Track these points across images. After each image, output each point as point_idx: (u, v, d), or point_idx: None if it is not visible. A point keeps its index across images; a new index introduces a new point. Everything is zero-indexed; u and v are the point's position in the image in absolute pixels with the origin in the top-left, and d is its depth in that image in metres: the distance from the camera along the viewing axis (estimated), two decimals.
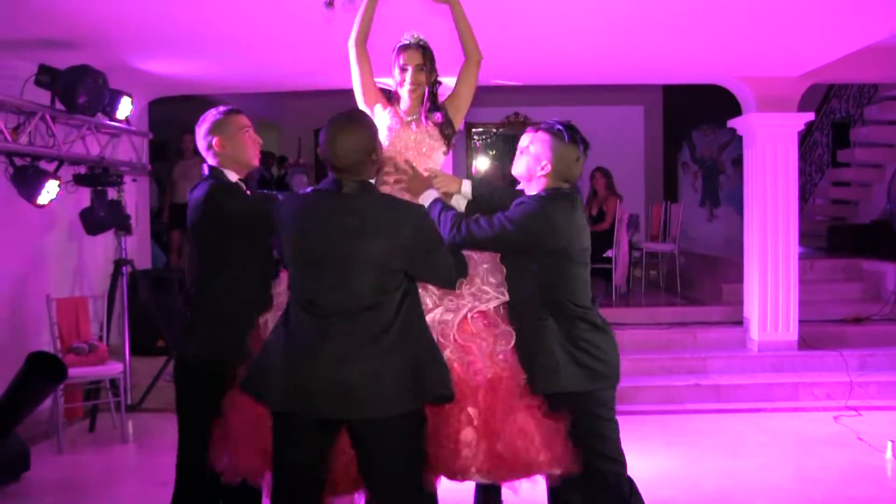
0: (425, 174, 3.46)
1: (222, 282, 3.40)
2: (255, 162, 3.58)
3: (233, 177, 3.47)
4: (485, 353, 3.14)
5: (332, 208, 2.85)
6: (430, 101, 3.62)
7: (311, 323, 2.82)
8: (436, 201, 3.34)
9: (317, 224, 2.84)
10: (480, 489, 3.64)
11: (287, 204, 3.00)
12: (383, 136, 3.50)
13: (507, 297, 3.28)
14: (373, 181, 3.00)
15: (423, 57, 3.57)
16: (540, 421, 3.11)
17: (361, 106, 3.68)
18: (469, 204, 3.49)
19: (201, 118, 3.52)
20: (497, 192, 3.57)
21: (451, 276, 3.07)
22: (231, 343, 3.30)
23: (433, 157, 3.58)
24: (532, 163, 3.35)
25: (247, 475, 3.21)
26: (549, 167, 3.31)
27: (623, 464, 3.36)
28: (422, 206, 3.17)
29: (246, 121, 3.53)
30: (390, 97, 3.68)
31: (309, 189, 3.06)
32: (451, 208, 3.33)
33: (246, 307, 3.38)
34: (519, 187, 3.56)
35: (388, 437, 2.84)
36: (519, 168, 3.41)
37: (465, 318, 3.18)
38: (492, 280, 3.29)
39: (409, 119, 3.60)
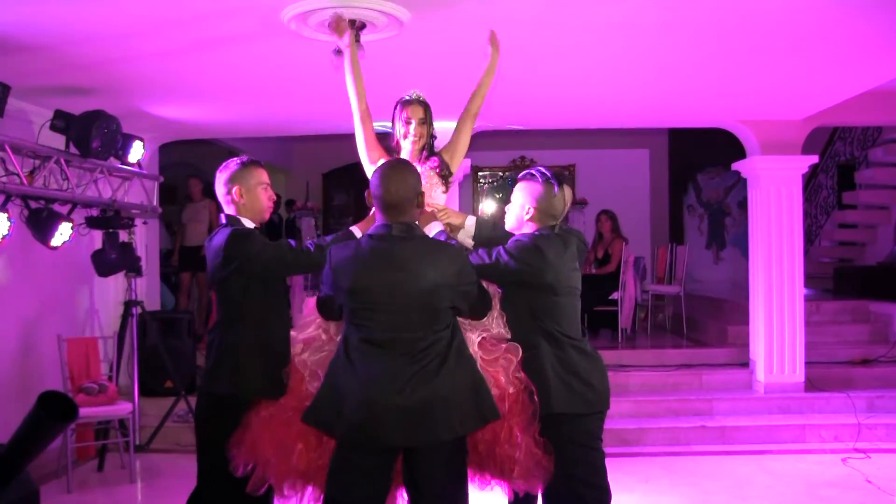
0: (429, 209, 3.67)
1: (244, 323, 3.51)
2: (267, 217, 3.77)
3: (249, 224, 3.60)
4: (508, 371, 3.37)
5: (384, 252, 3.09)
6: (428, 150, 3.93)
7: (376, 361, 3.04)
8: (440, 233, 3.52)
9: (372, 268, 3.08)
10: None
11: (340, 251, 3.20)
12: None
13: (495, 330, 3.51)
14: (416, 223, 3.27)
15: (425, 112, 3.90)
16: (530, 438, 3.32)
17: (365, 162, 3.97)
18: (473, 241, 3.71)
19: (223, 165, 3.65)
20: (499, 231, 3.77)
21: (485, 309, 3.36)
22: (261, 380, 3.47)
23: (433, 195, 3.84)
24: (518, 210, 3.61)
25: (274, 485, 3.39)
26: (532, 210, 3.55)
27: (606, 491, 3.50)
28: (462, 247, 3.42)
29: (265, 176, 3.69)
30: (390, 150, 3.98)
31: (361, 237, 3.32)
32: (454, 240, 3.52)
33: (269, 346, 3.52)
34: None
35: (444, 458, 3.11)
36: (509, 220, 3.67)
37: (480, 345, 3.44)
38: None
39: None
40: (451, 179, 3.95)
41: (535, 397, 3.35)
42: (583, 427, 3.44)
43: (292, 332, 3.62)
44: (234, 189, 3.58)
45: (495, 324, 3.51)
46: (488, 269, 3.39)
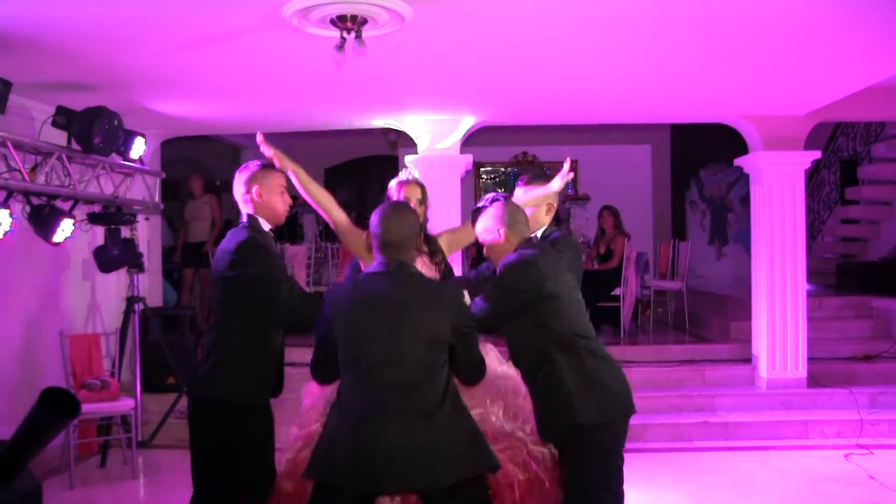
0: None
1: (243, 326, 3.51)
2: (283, 220, 3.80)
3: (266, 226, 3.65)
4: (516, 460, 3.36)
5: (381, 286, 3.08)
6: (422, 230, 3.94)
7: (368, 399, 2.97)
8: None
9: (369, 301, 3.06)
10: None
11: (338, 288, 3.23)
12: None
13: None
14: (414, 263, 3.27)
15: (422, 192, 3.98)
16: None
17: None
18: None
19: (243, 166, 3.73)
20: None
21: (481, 367, 3.28)
22: (256, 386, 3.50)
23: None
24: (493, 241, 3.57)
25: None
26: (503, 230, 3.53)
27: (622, 497, 3.43)
28: (460, 289, 3.44)
29: (284, 181, 3.76)
30: None
31: (359, 274, 3.33)
32: None
33: (266, 351, 3.55)
34: None
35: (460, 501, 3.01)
36: (493, 255, 3.61)
37: None
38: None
39: None
40: (442, 266, 3.98)
41: (548, 485, 3.35)
42: (609, 433, 3.37)
43: (293, 429, 3.62)
44: (255, 188, 3.62)
45: (494, 417, 3.47)
46: (490, 311, 3.39)
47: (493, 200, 3.60)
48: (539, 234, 4.01)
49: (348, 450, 2.93)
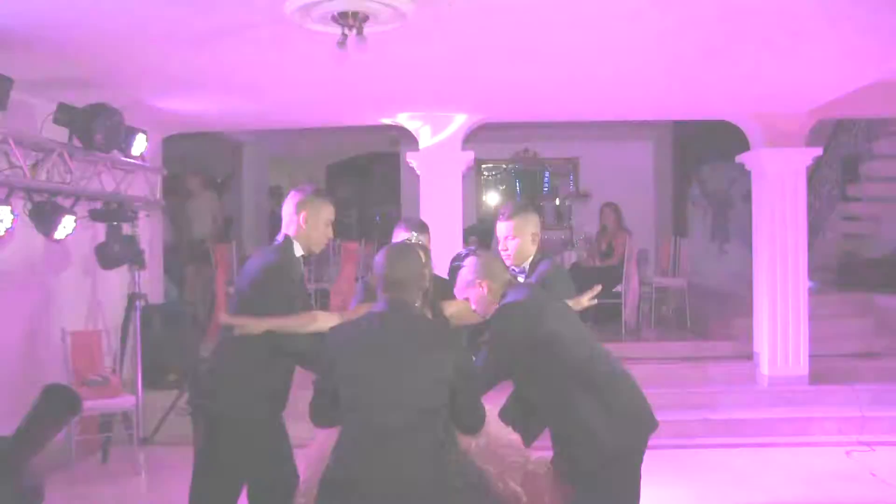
0: None
1: (249, 348, 3.48)
2: (318, 251, 3.81)
3: (298, 251, 3.68)
4: (516, 479, 3.36)
5: (383, 326, 3.06)
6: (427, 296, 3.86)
7: (369, 441, 2.92)
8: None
9: (370, 341, 3.03)
10: None
11: (340, 328, 3.19)
12: None
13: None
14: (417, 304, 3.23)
15: (426, 256, 3.83)
16: None
17: None
18: None
19: (299, 188, 3.78)
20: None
21: (482, 414, 3.20)
22: (255, 404, 3.54)
23: None
24: (478, 295, 3.51)
25: None
26: (485, 283, 3.48)
27: None
28: (462, 332, 3.44)
29: (332, 214, 3.78)
30: None
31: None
32: None
33: (269, 374, 3.58)
34: None
35: None
36: (481, 308, 3.55)
37: None
38: None
39: None
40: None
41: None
42: (631, 465, 3.37)
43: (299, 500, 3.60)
44: (303, 214, 3.66)
45: (501, 483, 3.39)
46: (491, 371, 3.35)
47: (468, 254, 3.60)
48: (527, 264, 4.00)
49: (349, 491, 2.90)
